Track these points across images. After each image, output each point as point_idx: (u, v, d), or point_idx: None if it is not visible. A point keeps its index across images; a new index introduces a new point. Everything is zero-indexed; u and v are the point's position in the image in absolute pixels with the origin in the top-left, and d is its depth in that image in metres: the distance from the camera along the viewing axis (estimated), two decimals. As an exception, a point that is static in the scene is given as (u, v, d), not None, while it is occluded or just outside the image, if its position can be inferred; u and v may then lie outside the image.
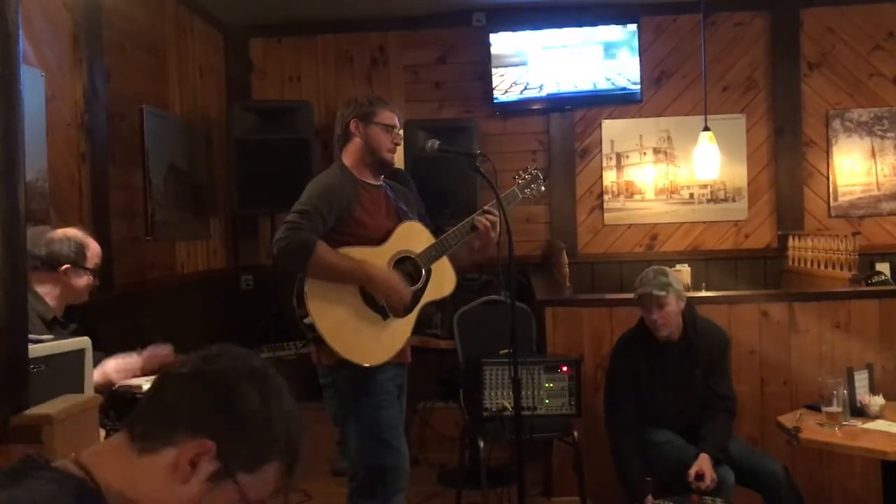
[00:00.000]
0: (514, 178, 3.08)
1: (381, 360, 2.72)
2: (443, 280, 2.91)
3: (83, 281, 2.69)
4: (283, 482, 1.13)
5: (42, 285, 2.63)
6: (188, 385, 1.09)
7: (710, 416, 3.29)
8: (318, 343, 2.67)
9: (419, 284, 2.83)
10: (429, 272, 2.86)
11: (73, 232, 2.74)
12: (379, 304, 2.72)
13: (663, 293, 3.21)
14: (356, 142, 2.83)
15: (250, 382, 1.10)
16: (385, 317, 2.73)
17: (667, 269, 3.39)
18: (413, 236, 2.87)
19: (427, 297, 2.86)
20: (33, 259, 2.57)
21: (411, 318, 2.82)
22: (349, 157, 2.86)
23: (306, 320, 2.65)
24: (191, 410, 1.07)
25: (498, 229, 2.85)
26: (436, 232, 2.96)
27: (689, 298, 3.40)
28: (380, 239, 2.78)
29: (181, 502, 1.06)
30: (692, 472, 3.07)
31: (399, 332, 2.79)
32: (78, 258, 2.68)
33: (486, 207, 2.90)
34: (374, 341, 2.72)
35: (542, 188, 3.12)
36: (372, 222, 2.78)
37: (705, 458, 3.12)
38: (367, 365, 2.68)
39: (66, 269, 2.66)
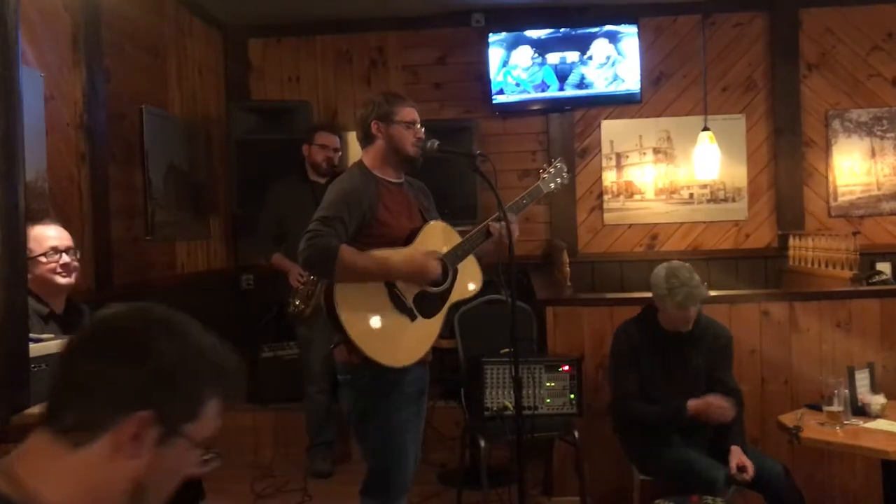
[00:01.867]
0: (540, 171, 3.06)
1: (409, 362, 2.70)
2: (469, 279, 2.90)
3: (39, 270, 2.59)
4: (224, 408, 1.09)
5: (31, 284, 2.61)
6: (98, 358, 1.02)
7: None
8: (347, 343, 2.64)
9: (446, 285, 2.80)
10: (455, 272, 2.83)
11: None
12: (406, 305, 2.70)
13: (700, 305, 3.27)
14: (379, 143, 2.80)
15: (158, 333, 1.04)
16: (413, 318, 2.72)
17: (688, 265, 3.39)
18: (439, 236, 2.84)
19: (454, 296, 2.84)
20: None
21: (439, 318, 2.79)
22: (370, 157, 2.82)
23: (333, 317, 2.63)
24: (113, 386, 1.00)
25: (515, 234, 2.82)
26: None
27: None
28: (404, 239, 2.76)
29: (135, 475, 1.01)
30: (733, 465, 3.07)
31: (427, 332, 2.77)
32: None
33: (509, 205, 2.85)
34: (402, 343, 2.70)
35: (566, 182, 3.09)
36: (395, 222, 2.75)
37: (739, 451, 3.12)
38: (396, 366, 2.66)
39: None
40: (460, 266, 2.84)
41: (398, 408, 2.72)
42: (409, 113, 2.82)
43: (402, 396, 2.72)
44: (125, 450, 0.99)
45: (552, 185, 3.04)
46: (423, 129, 2.86)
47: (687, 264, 3.36)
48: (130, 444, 0.99)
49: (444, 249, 2.82)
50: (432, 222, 2.86)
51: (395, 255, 2.70)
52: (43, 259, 2.60)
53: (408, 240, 2.76)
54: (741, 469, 3.06)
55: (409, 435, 2.76)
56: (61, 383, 1.03)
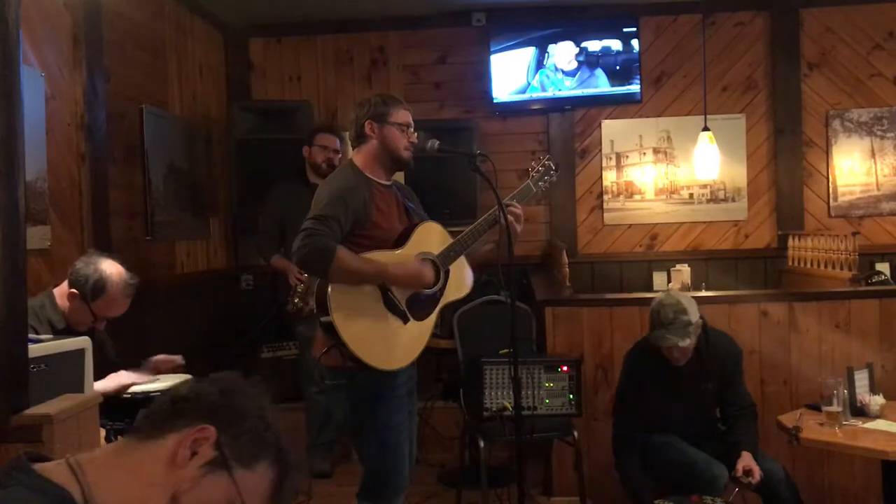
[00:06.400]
0: (528, 170, 3.05)
1: (403, 364, 2.71)
2: (461, 280, 2.90)
3: (77, 304, 2.67)
4: (275, 494, 1.17)
5: (64, 298, 2.66)
6: (195, 386, 1.18)
7: (735, 420, 3.28)
8: (340, 347, 2.63)
9: (439, 286, 2.80)
10: (447, 273, 2.84)
11: (112, 268, 2.72)
12: (400, 308, 2.70)
13: (686, 342, 3.11)
14: (372, 143, 2.80)
15: (253, 393, 1.19)
16: (405, 321, 2.72)
17: (683, 300, 3.18)
18: (431, 237, 2.85)
19: (446, 298, 2.85)
20: (72, 274, 2.64)
21: (431, 320, 2.80)
22: (362, 157, 2.82)
23: (324, 319, 2.62)
24: (196, 402, 1.14)
25: (521, 222, 2.82)
26: None
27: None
28: (395, 240, 2.76)
29: (176, 485, 1.08)
30: (740, 468, 3.05)
31: (419, 335, 2.77)
32: (88, 293, 2.66)
33: (505, 201, 2.83)
34: (395, 345, 2.70)
35: (554, 179, 3.09)
36: (386, 223, 2.76)
37: (748, 455, 3.11)
38: (390, 369, 2.66)
39: (74, 294, 2.66)
40: (452, 267, 2.85)
41: (393, 410, 2.72)
42: (404, 115, 2.82)
43: (396, 399, 2.73)
44: (179, 457, 1.09)
45: (540, 184, 3.03)
46: (416, 134, 2.85)
47: (681, 298, 3.21)
48: (186, 453, 1.09)
49: (437, 250, 2.82)
50: (426, 223, 2.87)
51: (390, 261, 2.70)
52: (86, 311, 2.67)
53: (398, 241, 2.77)
54: (747, 473, 3.05)
55: (404, 435, 2.77)
56: (159, 400, 1.18)
